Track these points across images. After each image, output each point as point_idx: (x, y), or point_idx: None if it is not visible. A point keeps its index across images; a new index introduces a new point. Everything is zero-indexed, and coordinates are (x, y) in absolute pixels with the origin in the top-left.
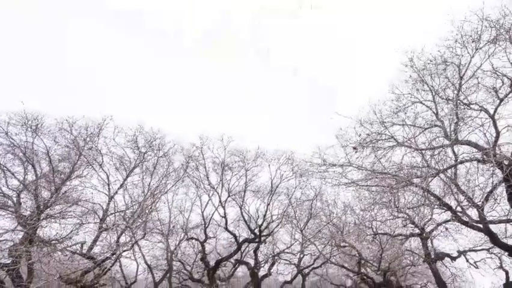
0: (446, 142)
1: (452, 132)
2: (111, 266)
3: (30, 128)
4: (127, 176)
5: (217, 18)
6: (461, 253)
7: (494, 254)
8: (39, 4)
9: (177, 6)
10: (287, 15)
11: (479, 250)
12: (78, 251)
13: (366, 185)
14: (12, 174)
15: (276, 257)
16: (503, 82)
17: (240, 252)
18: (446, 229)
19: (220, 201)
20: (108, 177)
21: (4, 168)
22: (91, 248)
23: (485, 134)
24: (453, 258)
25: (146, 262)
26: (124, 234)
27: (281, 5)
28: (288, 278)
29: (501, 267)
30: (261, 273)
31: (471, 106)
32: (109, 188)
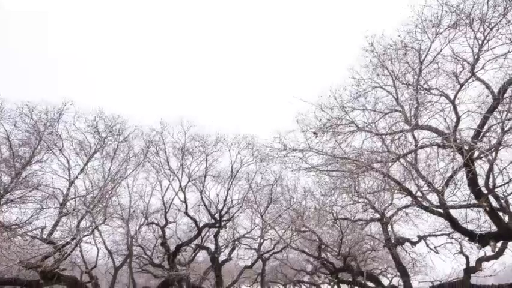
0: (407, 127)
1: (413, 117)
2: (71, 251)
3: None
4: (87, 161)
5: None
6: (422, 238)
7: (454, 239)
8: None
9: None
10: None
11: (440, 235)
12: (38, 236)
13: (327, 170)
14: None
15: (236, 242)
16: (463, 67)
17: (200, 237)
18: (407, 214)
19: (180, 186)
20: (68, 162)
21: None
22: (51, 233)
23: (445, 119)
24: (413, 243)
25: (106, 247)
26: (84, 219)
27: None
28: (249, 263)
29: (461, 252)
30: (222, 258)
31: (431, 91)
32: (69, 173)
